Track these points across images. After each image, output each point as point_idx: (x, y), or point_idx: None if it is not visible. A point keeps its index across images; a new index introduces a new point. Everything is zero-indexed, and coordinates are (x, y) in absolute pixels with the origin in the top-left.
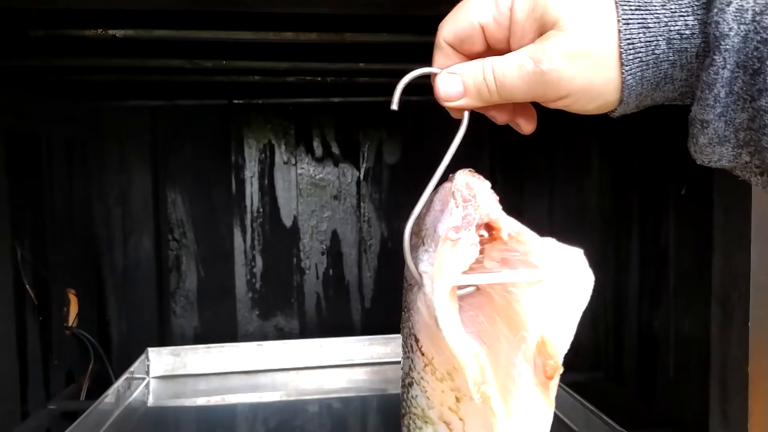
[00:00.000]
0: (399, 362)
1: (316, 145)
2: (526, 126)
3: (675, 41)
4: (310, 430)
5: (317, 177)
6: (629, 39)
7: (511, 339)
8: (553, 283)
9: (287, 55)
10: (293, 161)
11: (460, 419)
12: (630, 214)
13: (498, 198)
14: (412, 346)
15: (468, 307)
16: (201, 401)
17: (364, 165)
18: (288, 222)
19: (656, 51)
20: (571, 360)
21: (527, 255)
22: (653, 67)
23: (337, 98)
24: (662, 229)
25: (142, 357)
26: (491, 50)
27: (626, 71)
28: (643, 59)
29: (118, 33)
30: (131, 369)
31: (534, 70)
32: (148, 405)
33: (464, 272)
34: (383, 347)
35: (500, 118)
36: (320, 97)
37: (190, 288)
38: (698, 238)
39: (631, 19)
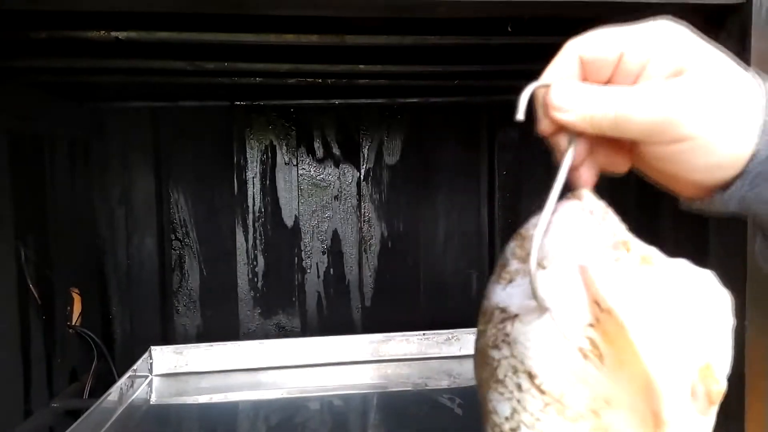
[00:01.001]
0: (398, 359)
1: (317, 146)
2: (623, 165)
3: None
4: (312, 428)
5: (318, 177)
6: None
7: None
8: (699, 306)
9: (288, 58)
10: (294, 162)
11: None
12: (627, 218)
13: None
14: (519, 385)
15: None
16: (203, 399)
17: (365, 165)
18: (289, 222)
19: None
20: None
21: (669, 278)
22: None
23: (337, 100)
24: (659, 231)
25: (145, 355)
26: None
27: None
28: None
29: (121, 35)
30: (134, 367)
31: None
32: (151, 403)
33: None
34: (383, 345)
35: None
36: (321, 98)
37: (192, 287)
38: (695, 239)
39: None
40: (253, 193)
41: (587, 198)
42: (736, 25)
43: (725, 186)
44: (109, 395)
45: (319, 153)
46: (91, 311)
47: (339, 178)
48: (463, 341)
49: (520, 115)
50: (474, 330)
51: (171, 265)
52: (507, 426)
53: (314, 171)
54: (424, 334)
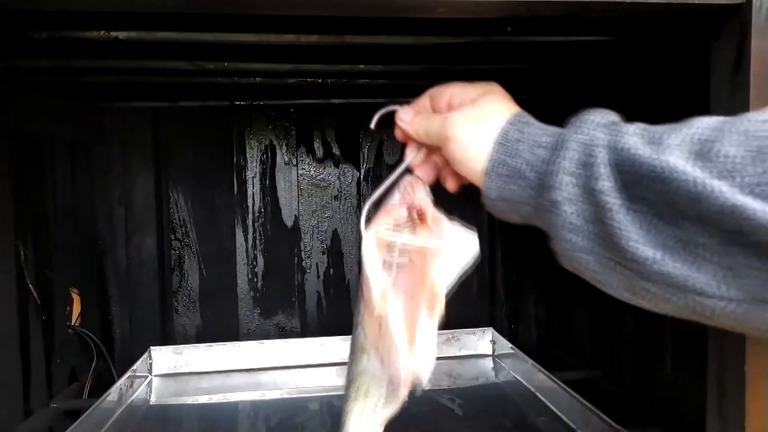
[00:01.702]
0: None
1: (317, 145)
2: (451, 184)
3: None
4: (311, 428)
5: (318, 177)
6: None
7: (421, 289)
8: (448, 250)
9: (288, 57)
10: (294, 162)
11: (382, 346)
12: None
13: (432, 198)
14: (359, 296)
15: (400, 272)
16: (203, 399)
17: (365, 165)
18: (289, 222)
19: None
20: (568, 358)
21: (441, 234)
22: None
23: (337, 99)
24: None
25: (145, 355)
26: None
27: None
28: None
29: (121, 35)
30: (134, 367)
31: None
32: (151, 403)
33: (393, 238)
34: None
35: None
36: (321, 98)
37: (192, 287)
38: None
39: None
40: (253, 193)
41: (405, 180)
42: (736, 26)
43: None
44: (108, 395)
45: (319, 153)
46: (91, 311)
47: (339, 177)
48: (463, 341)
49: (373, 125)
50: (474, 330)
51: (171, 265)
52: (355, 324)
53: (314, 171)
54: None
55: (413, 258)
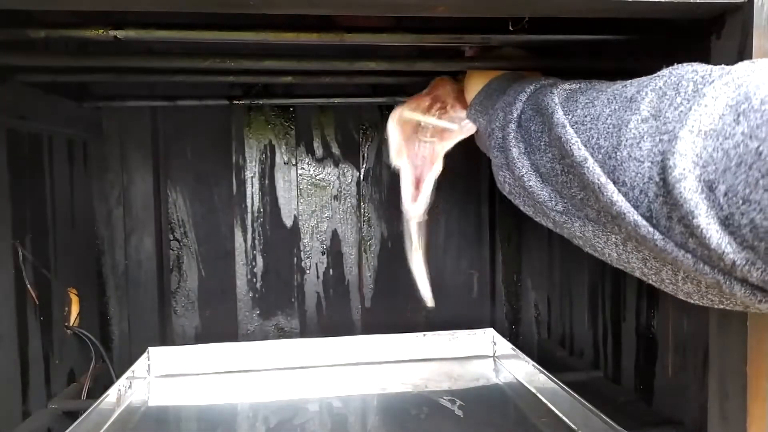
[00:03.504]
0: (398, 361)
1: (317, 145)
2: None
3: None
4: (311, 429)
5: (317, 177)
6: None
7: (429, 155)
8: (456, 130)
9: (288, 56)
10: (294, 161)
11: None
12: None
13: (456, 94)
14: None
15: (416, 142)
16: (202, 400)
17: (364, 165)
18: (288, 222)
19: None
20: (569, 359)
21: (452, 119)
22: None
23: (337, 99)
24: None
25: (144, 356)
26: None
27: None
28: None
29: (119, 34)
30: (132, 368)
31: None
32: (149, 404)
33: (414, 116)
34: (383, 346)
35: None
36: (320, 97)
37: (191, 287)
38: None
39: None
40: (252, 192)
41: (442, 78)
42: (738, 25)
43: None
44: (107, 396)
45: (319, 152)
46: (89, 312)
47: (338, 177)
48: (464, 342)
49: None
50: (474, 331)
51: (169, 265)
52: None
53: (313, 170)
54: (424, 335)
55: (428, 133)
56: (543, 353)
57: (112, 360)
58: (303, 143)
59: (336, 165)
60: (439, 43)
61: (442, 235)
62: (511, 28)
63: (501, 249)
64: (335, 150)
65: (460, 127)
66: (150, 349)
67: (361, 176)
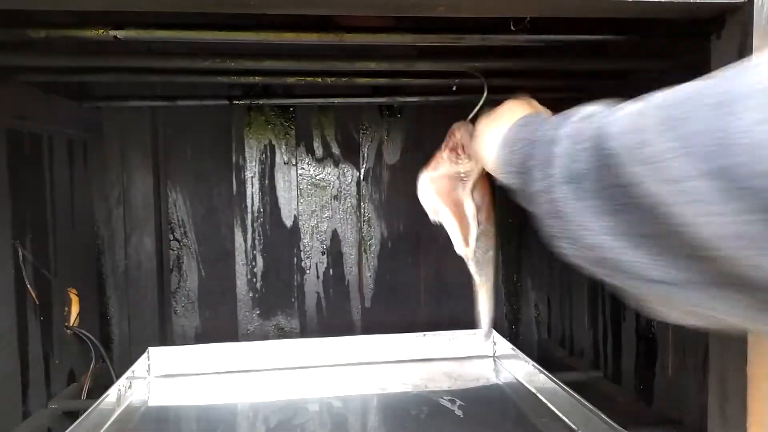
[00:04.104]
0: (398, 361)
1: (317, 145)
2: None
3: None
4: (311, 429)
5: (317, 177)
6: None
7: (463, 201)
8: (474, 171)
9: (288, 56)
10: (294, 161)
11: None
12: None
13: (471, 133)
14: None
15: (449, 194)
16: (202, 400)
17: (364, 165)
18: (288, 222)
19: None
20: (569, 359)
21: (468, 160)
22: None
23: (337, 99)
24: None
25: (144, 356)
26: None
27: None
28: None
29: (119, 34)
30: (132, 368)
31: None
32: (149, 404)
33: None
34: (383, 346)
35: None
36: (320, 97)
37: (191, 287)
38: None
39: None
40: (252, 192)
41: (454, 126)
42: (738, 25)
43: None
44: (107, 396)
45: (319, 152)
46: (89, 312)
47: (338, 177)
48: (464, 342)
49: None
50: (474, 331)
51: (169, 265)
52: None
53: (313, 170)
54: (424, 335)
55: (455, 182)
56: (543, 353)
57: (112, 360)
58: (303, 143)
59: (336, 165)
60: (439, 43)
61: (442, 235)
62: (512, 27)
63: (502, 250)
64: (335, 150)
65: (474, 163)
66: (150, 349)
67: (361, 176)
